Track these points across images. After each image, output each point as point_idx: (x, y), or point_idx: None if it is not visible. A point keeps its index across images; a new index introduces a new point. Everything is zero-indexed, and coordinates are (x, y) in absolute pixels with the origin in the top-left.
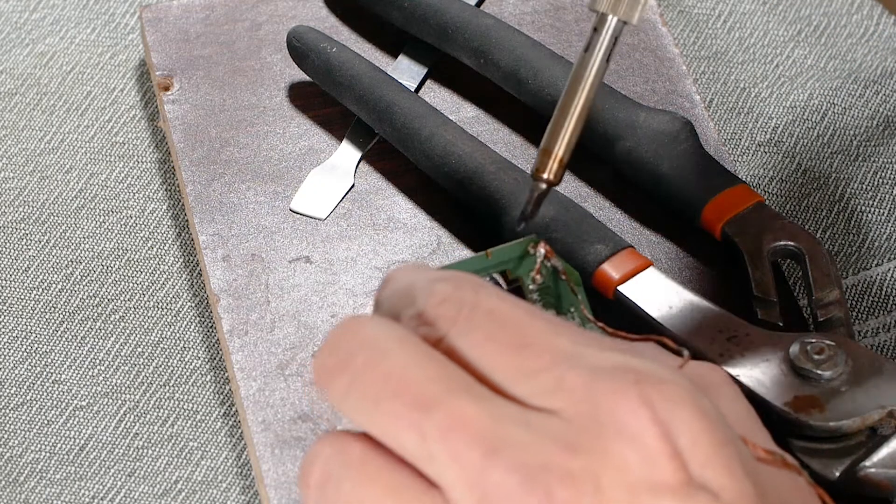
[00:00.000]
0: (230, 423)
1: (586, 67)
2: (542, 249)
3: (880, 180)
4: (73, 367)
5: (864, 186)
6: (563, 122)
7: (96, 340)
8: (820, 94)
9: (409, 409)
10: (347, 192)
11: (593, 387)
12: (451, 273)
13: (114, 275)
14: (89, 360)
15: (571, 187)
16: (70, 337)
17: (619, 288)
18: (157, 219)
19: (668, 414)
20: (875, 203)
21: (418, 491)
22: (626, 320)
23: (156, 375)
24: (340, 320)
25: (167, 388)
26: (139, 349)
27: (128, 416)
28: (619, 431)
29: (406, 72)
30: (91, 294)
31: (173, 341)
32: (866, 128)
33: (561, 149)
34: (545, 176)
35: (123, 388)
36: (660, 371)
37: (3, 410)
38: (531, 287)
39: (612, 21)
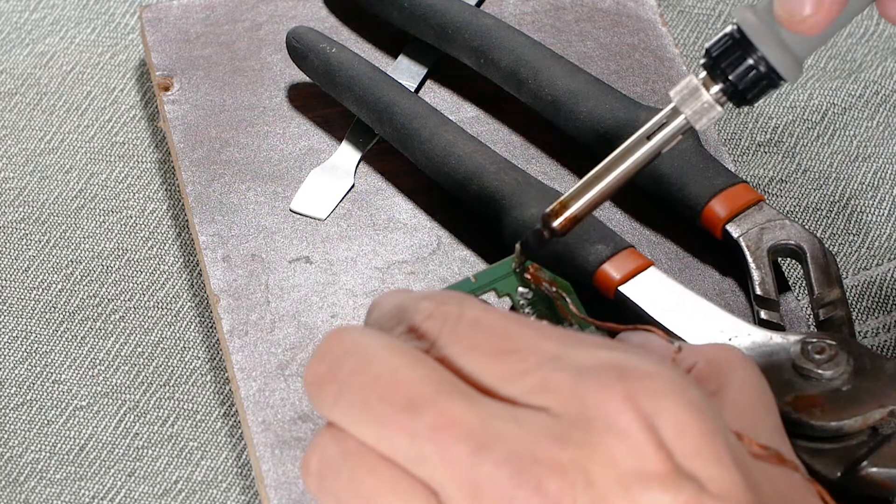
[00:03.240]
0: (230, 423)
1: (639, 149)
2: (515, 265)
3: (880, 180)
4: (73, 367)
5: (864, 186)
6: (592, 186)
7: (96, 340)
8: (820, 94)
9: (397, 411)
10: (347, 193)
11: (578, 385)
12: (436, 291)
13: (114, 275)
14: (89, 360)
15: (571, 187)
16: (70, 337)
17: (620, 288)
18: (157, 219)
19: (652, 407)
20: (875, 203)
21: (414, 482)
22: (626, 320)
23: (156, 375)
24: (337, 323)
25: (167, 388)
26: (139, 349)
27: (128, 416)
28: (607, 426)
29: (406, 72)
30: (91, 294)
31: (173, 341)
32: (866, 128)
33: (578, 208)
34: (553, 224)
35: (123, 388)
36: (645, 365)
37: (3, 410)
38: (521, 302)
39: (680, 120)
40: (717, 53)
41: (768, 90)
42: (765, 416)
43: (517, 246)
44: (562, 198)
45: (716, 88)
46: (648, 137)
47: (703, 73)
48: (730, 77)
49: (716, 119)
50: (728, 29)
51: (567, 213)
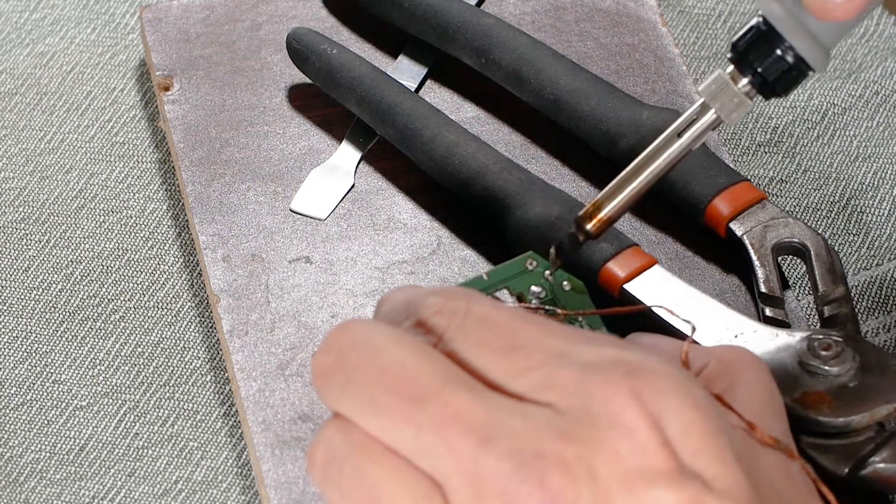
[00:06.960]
0: (230, 423)
1: (670, 147)
2: (530, 263)
3: (880, 180)
4: (73, 367)
5: (864, 186)
6: (625, 186)
7: (96, 340)
8: (820, 94)
9: (403, 403)
10: (347, 193)
11: (584, 381)
12: (444, 287)
13: (114, 275)
14: (89, 360)
15: (574, 186)
16: (70, 337)
17: (625, 286)
18: (157, 219)
19: (657, 405)
20: (875, 203)
21: (418, 474)
22: (631, 319)
23: (156, 375)
24: (337, 323)
25: (167, 388)
26: (139, 349)
27: (128, 416)
28: (612, 422)
29: (406, 72)
30: (91, 294)
31: (173, 341)
32: (866, 128)
33: (612, 209)
34: (587, 227)
35: (123, 388)
36: (651, 362)
37: (3, 410)
38: (533, 301)
39: (710, 115)
40: (744, 46)
41: (798, 81)
42: (773, 419)
43: (552, 250)
44: (595, 199)
45: (744, 81)
46: (679, 135)
47: (731, 68)
48: (758, 69)
49: (746, 113)
50: (753, 21)
51: (601, 215)
